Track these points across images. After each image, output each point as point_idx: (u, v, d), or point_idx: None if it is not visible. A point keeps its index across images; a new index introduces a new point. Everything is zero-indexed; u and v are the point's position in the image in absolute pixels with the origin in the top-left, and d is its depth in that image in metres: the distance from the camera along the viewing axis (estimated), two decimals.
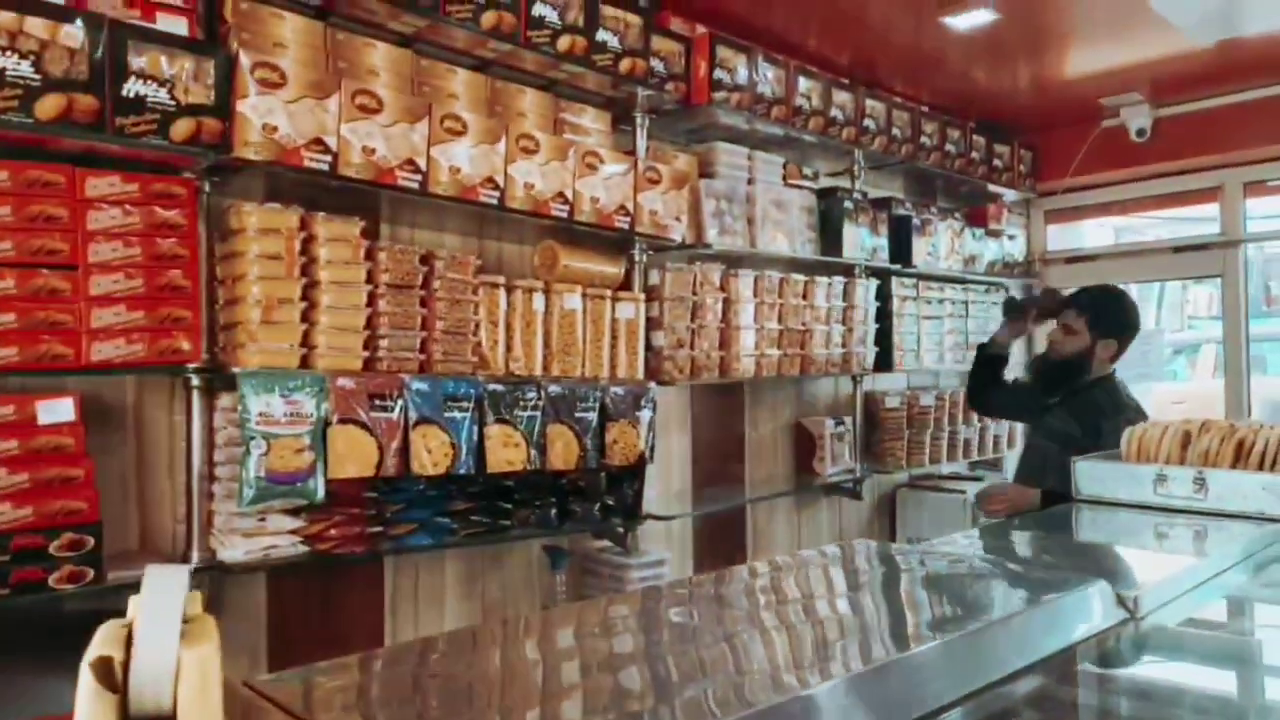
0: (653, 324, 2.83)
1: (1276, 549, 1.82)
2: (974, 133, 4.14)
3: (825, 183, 3.56)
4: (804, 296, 3.32)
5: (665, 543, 3.06)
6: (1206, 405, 4.29)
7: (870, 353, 3.65)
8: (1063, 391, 2.99)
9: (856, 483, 3.72)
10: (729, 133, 3.17)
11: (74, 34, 1.68)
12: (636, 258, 2.80)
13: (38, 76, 1.64)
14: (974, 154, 4.15)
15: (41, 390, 1.78)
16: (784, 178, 3.33)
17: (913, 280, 3.90)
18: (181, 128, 1.80)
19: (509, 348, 2.43)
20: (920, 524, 3.97)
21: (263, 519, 1.97)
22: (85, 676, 0.67)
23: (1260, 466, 2.05)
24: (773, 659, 1.07)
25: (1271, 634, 1.58)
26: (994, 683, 1.14)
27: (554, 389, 2.43)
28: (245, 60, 1.88)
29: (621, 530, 2.74)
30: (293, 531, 2.01)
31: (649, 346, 2.81)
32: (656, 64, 2.78)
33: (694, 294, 2.91)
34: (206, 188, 1.97)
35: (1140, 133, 4.27)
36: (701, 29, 2.96)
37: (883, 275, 3.72)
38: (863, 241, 3.55)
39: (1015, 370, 3.65)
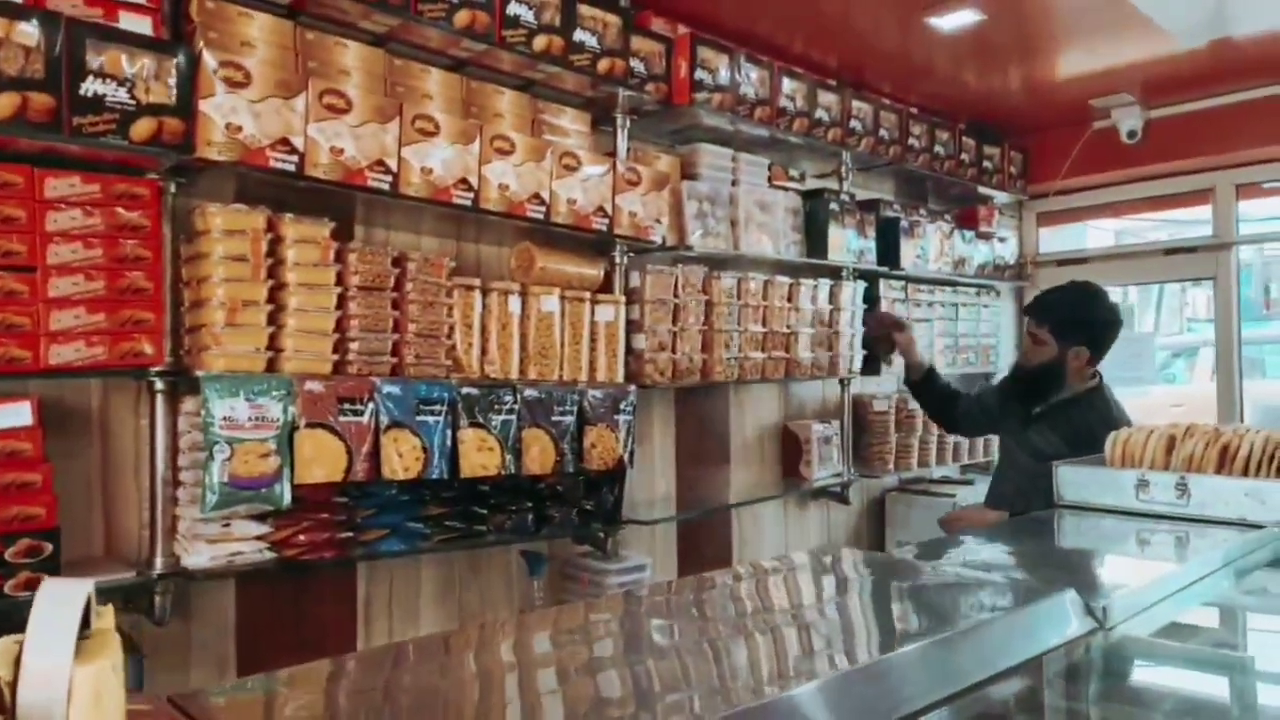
0: (633, 327, 2.80)
1: (1258, 555, 1.79)
2: (964, 134, 4.12)
3: (812, 184, 3.54)
4: (789, 299, 3.29)
5: (648, 548, 3.03)
6: (1204, 409, 4.26)
7: (858, 356, 3.61)
8: (1041, 404, 2.84)
9: (845, 487, 3.69)
10: (713, 134, 3.14)
11: (29, 32, 1.65)
12: (617, 260, 2.77)
13: None
14: (964, 156, 4.12)
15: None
16: (769, 179, 3.31)
17: (901, 283, 3.86)
18: (142, 128, 1.77)
19: (484, 351, 2.40)
20: (910, 528, 3.93)
21: (227, 525, 1.94)
22: None
23: (1245, 472, 2.01)
24: (734, 665, 1.06)
25: (1248, 641, 1.55)
26: (956, 693, 1.12)
27: (530, 392, 2.40)
28: (209, 59, 1.85)
29: (601, 535, 2.71)
30: (259, 537, 1.98)
31: (629, 349, 2.78)
32: (637, 64, 2.75)
33: (676, 296, 2.88)
34: (172, 189, 1.94)
35: (1131, 134, 4.24)
36: (683, 29, 2.93)
37: (870, 278, 3.69)
38: (849, 244, 3.52)
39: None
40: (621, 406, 2.62)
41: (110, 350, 1.80)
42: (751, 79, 3.07)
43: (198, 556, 1.92)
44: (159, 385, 1.94)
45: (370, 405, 2.09)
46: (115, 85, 1.73)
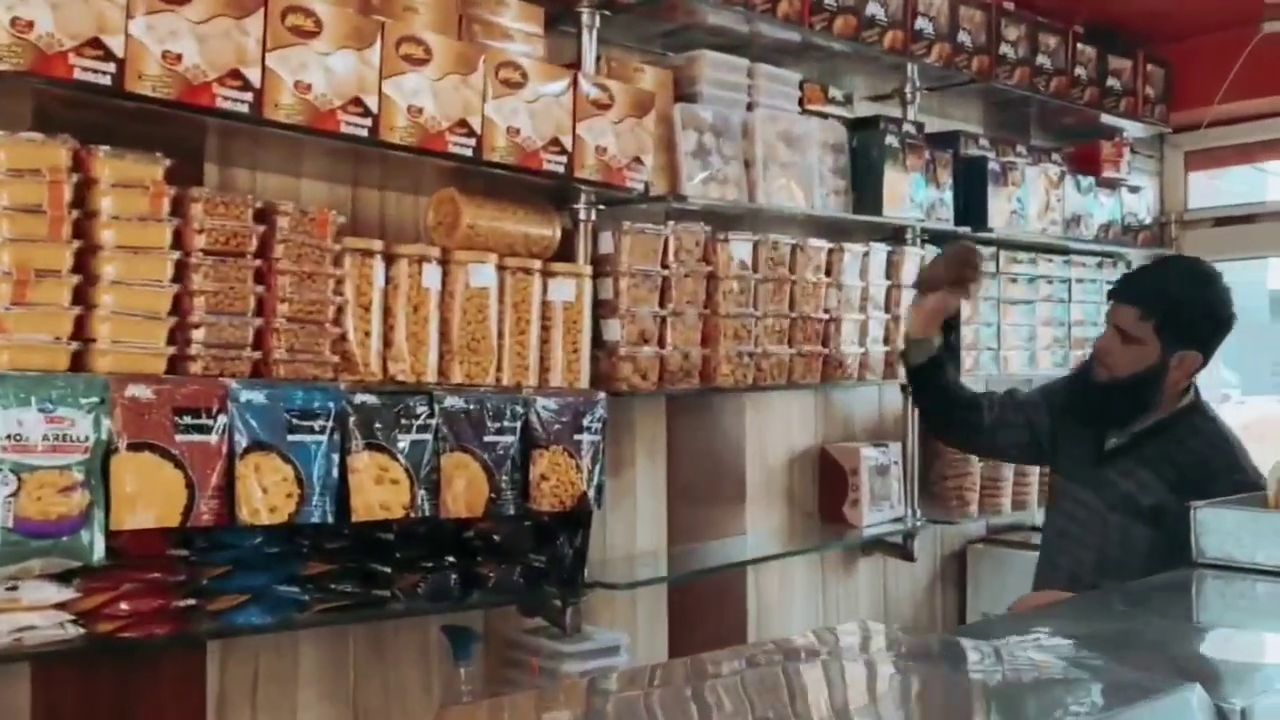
0: (604, 309, 2.79)
1: None
2: (1080, 40, 4.11)
3: (863, 110, 3.53)
4: (827, 272, 3.28)
5: (626, 622, 3.03)
6: None
7: None
8: (1122, 430, 2.81)
9: (908, 537, 3.68)
10: (721, 37, 3.13)
11: None
12: (581, 215, 2.77)
13: None
14: (1080, 71, 4.11)
15: None
16: (801, 102, 3.30)
17: (991, 249, 3.85)
18: None
19: (388, 343, 2.39)
20: (1000, 593, 3.90)
21: (14, 587, 1.92)
22: None
23: None
24: None
25: None
26: None
27: (453, 402, 2.39)
28: None
29: (558, 604, 2.70)
30: (60, 606, 1.96)
31: (598, 342, 2.77)
32: None
33: (665, 267, 2.87)
34: None
35: None
36: None
37: (945, 242, 3.65)
38: (915, 194, 3.51)
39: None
40: (585, 422, 2.61)
41: None
42: None
43: None
44: None
45: (221, 419, 2.07)
46: None
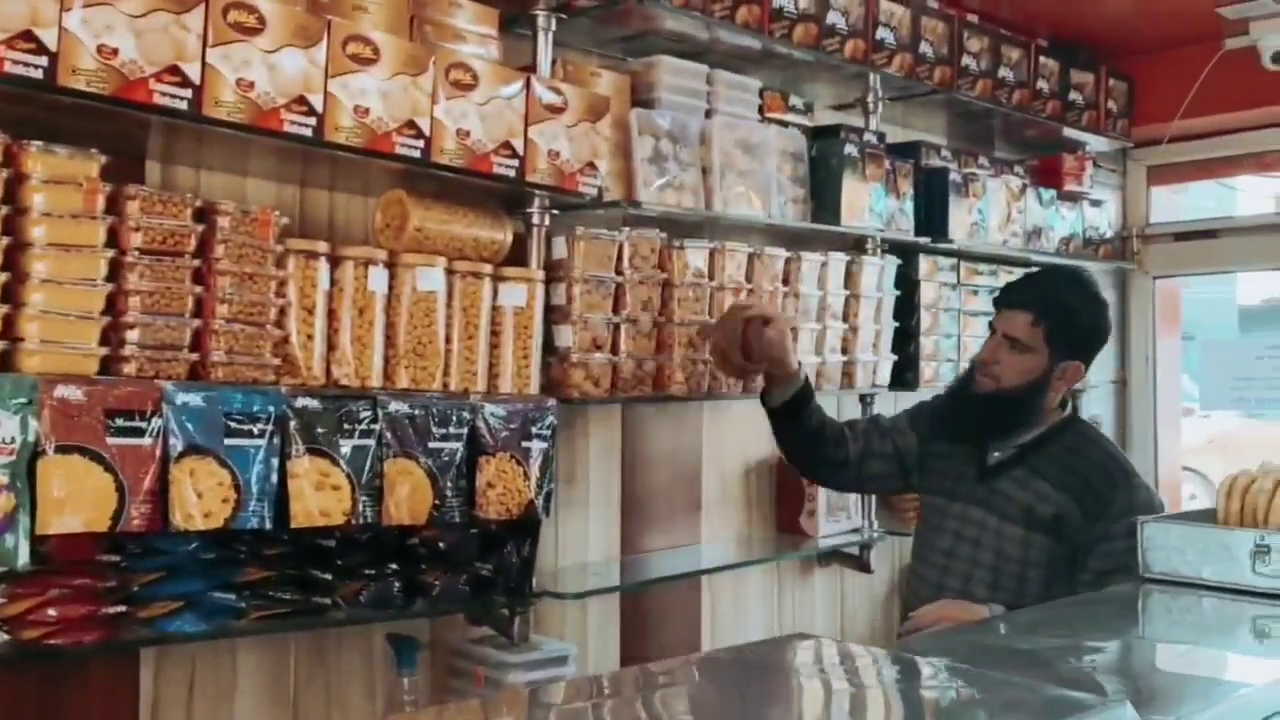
0: (556, 315, 2.77)
1: None
2: (1043, 54, 4.11)
3: (823, 119, 3.53)
4: (785, 280, 3.27)
5: (576, 632, 3.01)
6: None
7: (886, 363, 3.61)
8: (1002, 443, 2.78)
9: (865, 548, 3.68)
10: (680, 43, 3.11)
11: None
12: (534, 219, 2.75)
13: None
14: (1042, 84, 4.12)
15: None
16: (760, 110, 3.29)
17: (951, 260, 3.86)
18: None
19: (331, 346, 2.37)
20: None
21: None
22: None
23: None
24: None
25: None
26: None
27: (398, 407, 2.37)
28: None
29: (505, 612, 2.67)
30: None
31: (550, 348, 2.76)
32: None
33: (619, 274, 2.86)
34: None
35: (1278, 57, 4.24)
36: None
37: (906, 253, 3.68)
38: (875, 204, 3.50)
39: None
40: (535, 429, 2.59)
41: None
42: None
43: None
44: None
45: (156, 421, 2.04)
46: None
